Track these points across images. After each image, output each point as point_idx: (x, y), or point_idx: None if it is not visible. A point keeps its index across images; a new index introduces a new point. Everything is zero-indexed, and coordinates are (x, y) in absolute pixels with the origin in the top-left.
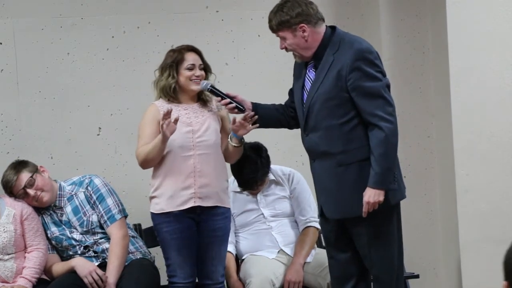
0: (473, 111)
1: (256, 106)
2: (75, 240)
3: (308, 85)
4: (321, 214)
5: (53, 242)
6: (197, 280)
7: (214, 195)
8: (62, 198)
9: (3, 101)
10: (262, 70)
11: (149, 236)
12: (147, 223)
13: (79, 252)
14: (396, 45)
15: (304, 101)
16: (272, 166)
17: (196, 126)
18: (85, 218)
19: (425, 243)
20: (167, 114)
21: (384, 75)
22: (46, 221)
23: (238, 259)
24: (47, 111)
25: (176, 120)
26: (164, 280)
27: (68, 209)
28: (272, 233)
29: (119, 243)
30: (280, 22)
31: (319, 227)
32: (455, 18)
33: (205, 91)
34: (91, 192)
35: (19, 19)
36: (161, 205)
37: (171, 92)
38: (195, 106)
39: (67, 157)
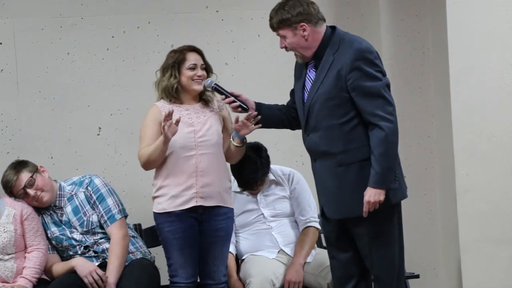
0: (473, 111)
1: (259, 106)
2: (75, 240)
3: (308, 85)
4: (322, 214)
5: (53, 242)
6: (198, 280)
7: (216, 195)
8: (62, 198)
9: (3, 101)
10: (262, 70)
11: (149, 236)
12: (147, 223)
13: (79, 252)
14: (396, 45)
15: (305, 101)
16: (272, 166)
17: (198, 126)
18: (85, 218)
19: (425, 243)
20: (169, 116)
21: (384, 74)
22: (46, 221)
23: (238, 259)
24: (47, 111)
25: (177, 122)
26: (164, 280)
27: (68, 209)
28: (272, 233)
29: (119, 243)
30: (280, 20)
31: (319, 227)
32: (455, 18)
33: (209, 88)
34: (91, 192)
35: (19, 19)
36: (163, 205)
37: (173, 93)
38: (197, 106)
39: (67, 157)
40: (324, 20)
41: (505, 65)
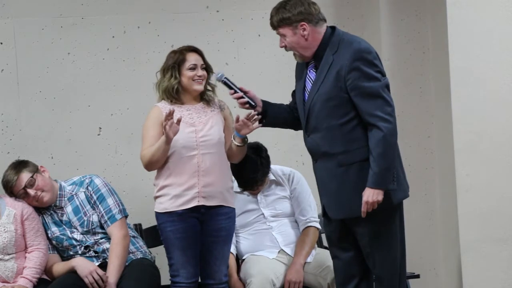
0: (473, 111)
1: (266, 104)
2: (76, 240)
3: (309, 85)
4: (324, 214)
5: (54, 242)
6: (199, 280)
7: (218, 195)
8: (63, 198)
9: (3, 101)
10: (262, 70)
11: (150, 236)
12: (147, 223)
13: (79, 252)
14: (396, 45)
15: (305, 102)
16: (272, 166)
17: (199, 126)
18: (85, 218)
19: (425, 243)
20: (169, 115)
21: (383, 75)
22: (46, 221)
23: (239, 259)
24: (47, 111)
25: (178, 121)
26: (164, 280)
27: (69, 209)
28: (273, 233)
29: (119, 243)
30: (281, 19)
31: (319, 227)
32: (455, 18)
33: (219, 82)
34: (92, 192)
35: (20, 19)
36: (165, 205)
37: (174, 93)
38: (198, 106)
39: (68, 157)
40: (325, 21)
41: (505, 65)
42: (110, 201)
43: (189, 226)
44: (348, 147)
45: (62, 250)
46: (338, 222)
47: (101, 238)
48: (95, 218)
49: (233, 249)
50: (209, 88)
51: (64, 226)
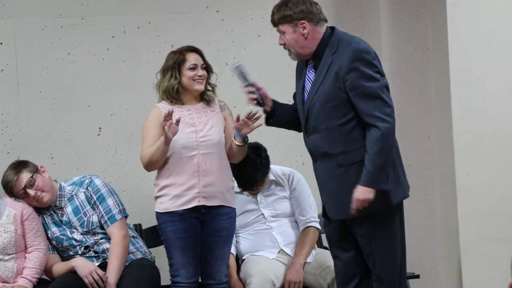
0: (473, 111)
1: (275, 104)
2: (76, 240)
3: (308, 86)
4: (324, 214)
5: (54, 242)
6: (200, 280)
7: (219, 195)
8: (63, 198)
9: (3, 101)
10: (262, 70)
11: (150, 236)
12: (147, 223)
13: (79, 252)
14: (396, 45)
15: (304, 102)
16: (272, 166)
17: (200, 126)
18: (85, 219)
19: (425, 243)
20: (168, 116)
21: (382, 75)
22: (46, 221)
23: (239, 259)
24: (47, 111)
25: (177, 121)
26: (164, 280)
27: (69, 209)
28: (273, 233)
29: (119, 243)
30: (282, 16)
31: (319, 227)
32: (455, 18)
33: (235, 70)
34: (92, 193)
35: (20, 19)
36: (165, 205)
37: (174, 94)
38: (198, 107)
39: (67, 157)
40: (326, 21)
41: (505, 65)
42: (110, 201)
43: (189, 226)
44: (347, 148)
45: (62, 250)
46: (338, 222)
47: (101, 239)
48: (95, 218)
49: (233, 249)
50: (209, 88)
51: (64, 226)
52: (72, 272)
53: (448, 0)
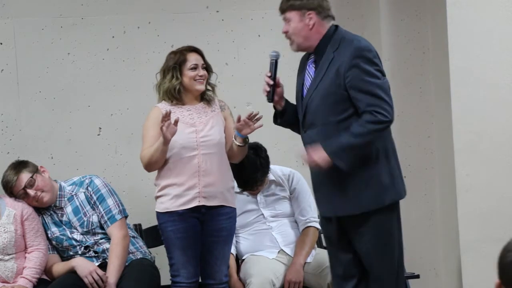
0: (473, 111)
1: (287, 104)
2: (76, 240)
3: (308, 81)
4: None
5: (54, 242)
6: (200, 280)
7: (219, 195)
8: (63, 199)
9: (3, 101)
10: (262, 70)
11: (150, 236)
12: (147, 223)
13: (79, 252)
14: (396, 45)
15: (303, 98)
16: (272, 166)
17: (200, 126)
18: (85, 219)
19: (425, 243)
20: (166, 116)
21: (383, 74)
22: (46, 221)
23: (239, 259)
24: (47, 111)
25: (176, 122)
26: (164, 280)
27: (69, 209)
28: (272, 233)
29: (119, 243)
30: (292, 4)
31: (319, 227)
32: (455, 18)
33: (271, 59)
34: (92, 193)
35: (20, 19)
36: (166, 204)
37: (176, 94)
38: (199, 107)
39: (67, 157)
40: (333, 19)
41: (505, 65)
42: (110, 201)
43: (189, 226)
44: None
45: (62, 250)
46: (336, 223)
47: (101, 239)
48: (95, 218)
49: (233, 249)
50: (209, 88)
51: (64, 227)
52: (72, 272)
53: (448, 0)
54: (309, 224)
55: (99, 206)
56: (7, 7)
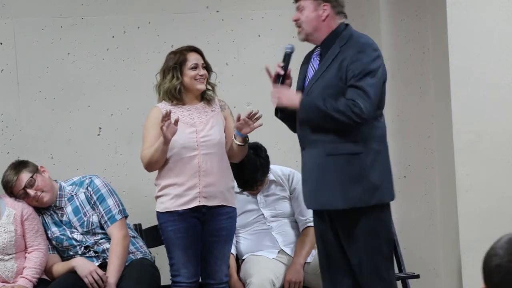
0: (473, 111)
1: None
2: (76, 240)
3: (310, 73)
4: (315, 213)
5: (54, 242)
6: (200, 280)
7: (219, 194)
8: (63, 199)
9: (3, 101)
10: (262, 70)
11: (150, 236)
12: (147, 223)
13: (79, 252)
14: (396, 45)
15: (304, 89)
16: (272, 166)
17: (200, 126)
18: (85, 219)
19: (425, 243)
20: (166, 116)
21: (383, 75)
22: (46, 221)
23: (239, 259)
24: (47, 111)
25: (176, 122)
26: (164, 280)
27: (69, 209)
28: (272, 233)
29: (119, 243)
30: None
31: None
32: (455, 18)
33: (285, 52)
34: (92, 193)
35: (20, 19)
36: (166, 204)
37: (177, 94)
38: (199, 106)
39: (67, 157)
40: (345, 17)
41: (505, 65)
42: (110, 201)
43: (190, 225)
44: (337, 137)
45: (62, 250)
46: (329, 222)
47: (101, 239)
48: (95, 218)
49: (233, 249)
50: (209, 87)
51: (64, 227)
52: (72, 272)
53: (448, 0)
54: (309, 224)
55: (99, 206)
56: (7, 7)
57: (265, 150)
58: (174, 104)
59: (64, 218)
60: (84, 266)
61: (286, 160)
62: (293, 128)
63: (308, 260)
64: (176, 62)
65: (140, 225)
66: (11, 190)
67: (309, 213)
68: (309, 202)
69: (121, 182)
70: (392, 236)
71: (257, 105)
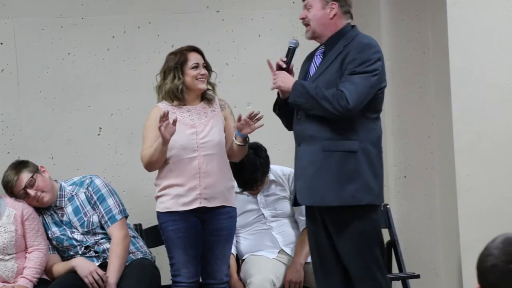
0: (473, 111)
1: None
2: (76, 240)
3: (312, 70)
4: (307, 214)
5: (54, 242)
6: (200, 280)
7: (220, 195)
8: (63, 199)
9: (3, 101)
10: (262, 70)
11: (150, 236)
12: (147, 223)
13: (80, 252)
14: (396, 45)
15: None
16: (272, 166)
17: (200, 127)
18: (85, 219)
19: (425, 243)
20: (164, 117)
21: (379, 76)
22: (46, 221)
23: (239, 259)
24: (47, 111)
25: (174, 122)
26: (164, 280)
27: (69, 209)
28: (273, 233)
29: (120, 243)
30: None
31: None
32: (455, 18)
33: (290, 46)
34: (92, 193)
35: (20, 19)
36: (166, 204)
37: (179, 94)
38: (199, 107)
39: (68, 157)
40: (351, 18)
41: (505, 65)
42: (110, 201)
43: (190, 225)
44: (334, 135)
45: (63, 250)
46: (321, 222)
47: (102, 239)
48: (95, 218)
49: (233, 249)
50: (209, 87)
51: (64, 227)
52: (72, 272)
53: (448, 0)
54: None
55: (100, 206)
56: (7, 7)
57: (265, 150)
58: (174, 105)
59: (65, 218)
60: (84, 266)
61: (286, 160)
62: (289, 125)
63: (308, 260)
64: (177, 62)
65: (140, 225)
66: (11, 190)
67: None
68: (302, 198)
69: (121, 182)
70: (382, 237)
71: (257, 105)
